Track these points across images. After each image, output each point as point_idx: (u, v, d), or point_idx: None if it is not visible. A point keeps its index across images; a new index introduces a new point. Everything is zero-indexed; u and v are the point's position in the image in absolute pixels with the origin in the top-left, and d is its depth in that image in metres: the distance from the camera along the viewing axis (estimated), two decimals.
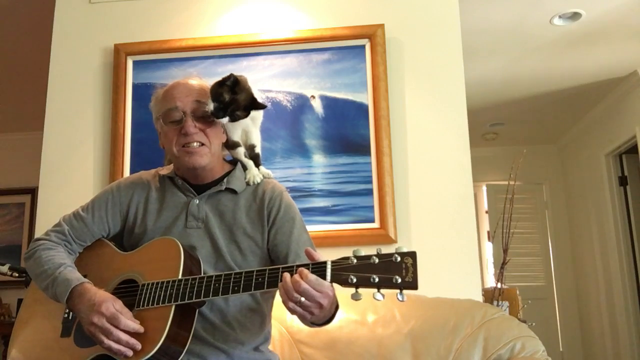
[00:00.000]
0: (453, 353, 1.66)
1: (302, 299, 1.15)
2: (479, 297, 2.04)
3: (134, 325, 1.26)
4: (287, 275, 1.17)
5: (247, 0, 2.38)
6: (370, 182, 2.14)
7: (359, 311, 1.79)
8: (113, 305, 1.27)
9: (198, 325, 1.35)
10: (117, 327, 1.24)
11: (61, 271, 1.36)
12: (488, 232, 5.83)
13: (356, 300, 1.13)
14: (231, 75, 1.46)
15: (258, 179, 1.53)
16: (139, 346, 1.25)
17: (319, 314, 1.20)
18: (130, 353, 1.24)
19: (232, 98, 1.44)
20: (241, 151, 1.58)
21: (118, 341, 1.24)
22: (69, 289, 1.32)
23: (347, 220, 2.13)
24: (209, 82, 1.53)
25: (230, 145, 1.57)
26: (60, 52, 2.42)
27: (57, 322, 1.41)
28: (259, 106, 1.49)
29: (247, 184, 1.53)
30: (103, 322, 1.24)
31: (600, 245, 4.96)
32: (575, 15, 3.21)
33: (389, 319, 1.76)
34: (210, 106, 1.44)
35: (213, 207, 1.48)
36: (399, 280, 1.10)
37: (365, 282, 1.13)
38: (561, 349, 5.53)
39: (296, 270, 1.19)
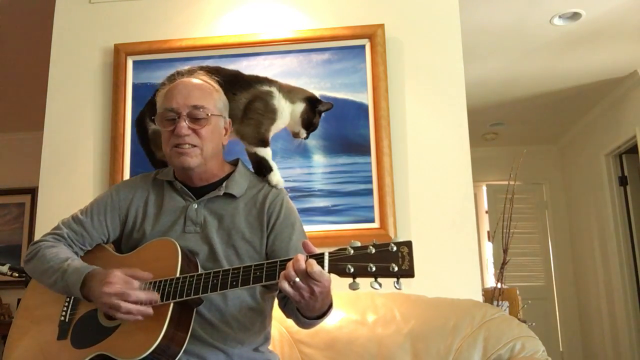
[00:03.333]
0: (453, 353, 1.66)
1: (297, 279, 1.16)
2: (479, 297, 2.04)
3: (146, 292, 1.28)
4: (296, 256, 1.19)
5: (247, 0, 2.38)
6: (370, 182, 2.14)
7: (359, 311, 1.79)
8: (123, 272, 1.29)
9: (196, 325, 1.36)
10: (132, 288, 1.26)
11: (69, 263, 1.37)
12: (488, 232, 5.83)
13: (354, 289, 1.15)
14: (330, 104, 1.93)
15: (282, 184, 1.59)
16: (158, 297, 1.27)
17: (308, 301, 1.20)
18: (150, 311, 1.26)
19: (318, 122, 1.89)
20: (269, 151, 1.65)
21: (137, 301, 1.25)
22: (82, 277, 1.33)
23: (347, 220, 2.13)
24: (213, 80, 1.54)
25: (264, 142, 1.68)
26: (60, 52, 2.42)
27: (54, 326, 1.41)
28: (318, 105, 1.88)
29: (272, 186, 1.56)
30: (117, 289, 1.26)
31: (600, 245, 4.97)
32: (575, 15, 3.21)
33: (389, 319, 1.76)
34: (303, 134, 1.87)
35: (211, 212, 1.48)
36: (396, 269, 1.12)
37: (362, 272, 1.14)
38: (561, 349, 5.53)
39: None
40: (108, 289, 1.26)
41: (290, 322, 1.47)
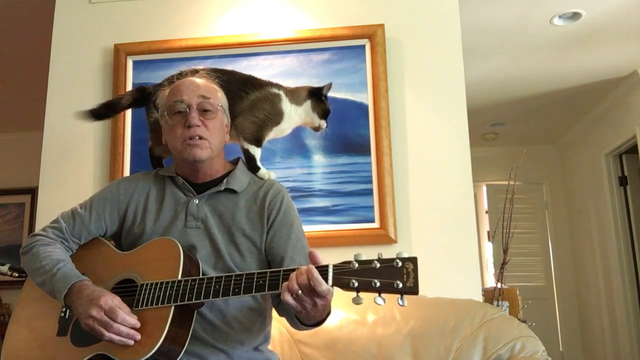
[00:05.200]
0: (453, 353, 1.66)
1: (300, 291, 1.15)
2: (479, 297, 2.04)
3: (131, 320, 1.27)
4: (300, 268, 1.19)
5: (247, 0, 2.38)
6: (370, 182, 2.14)
7: (359, 311, 1.79)
8: (112, 299, 1.28)
9: (197, 326, 1.36)
10: (114, 320, 1.25)
11: (60, 268, 1.36)
12: (488, 232, 5.83)
13: (357, 304, 1.14)
14: (325, 87, 1.95)
15: (273, 175, 1.68)
16: (138, 336, 1.26)
17: (310, 312, 1.20)
18: (131, 342, 1.26)
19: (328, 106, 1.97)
20: (259, 152, 1.76)
21: (119, 333, 1.25)
22: (68, 285, 1.33)
23: (347, 220, 2.13)
24: (215, 82, 1.60)
25: (258, 142, 1.77)
26: (60, 52, 2.42)
27: (53, 321, 1.41)
28: (321, 92, 1.96)
29: (261, 178, 1.61)
30: (102, 315, 1.25)
31: (600, 245, 4.96)
32: (575, 15, 3.21)
33: (389, 319, 1.76)
34: (324, 124, 1.94)
35: (212, 208, 1.48)
36: (400, 286, 1.11)
37: (366, 287, 1.13)
38: (561, 349, 5.53)
39: None
40: (95, 313, 1.26)
41: None
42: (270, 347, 1.55)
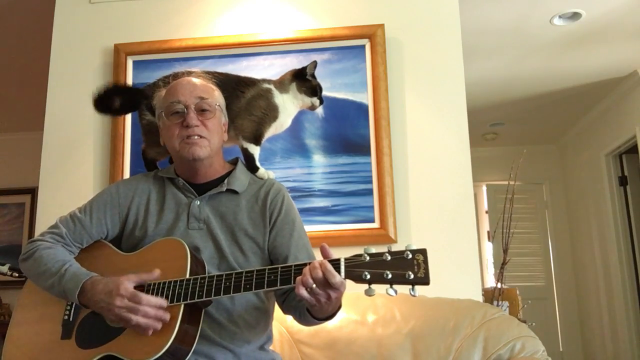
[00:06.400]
0: (453, 353, 1.66)
1: (314, 285, 1.17)
2: (479, 297, 2.04)
3: (156, 300, 1.27)
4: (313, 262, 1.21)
5: (247, 0, 2.38)
6: (370, 182, 2.14)
7: (359, 311, 1.79)
8: (130, 284, 1.29)
9: (205, 325, 1.35)
10: (139, 304, 1.25)
11: (67, 268, 1.35)
12: (488, 232, 5.83)
13: (370, 295, 1.17)
14: (308, 66, 1.91)
15: (272, 174, 1.69)
16: (167, 316, 1.26)
17: (323, 305, 1.22)
18: (159, 326, 1.25)
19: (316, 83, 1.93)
20: (258, 151, 1.77)
21: (146, 315, 1.25)
22: (80, 284, 1.32)
23: (347, 220, 2.13)
24: (212, 82, 1.61)
25: (257, 140, 1.77)
26: (60, 52, 2.42)
27: (56, 325, 1.39)
28: (305, 72, 1.96)
29: (260, 178, 1.61)
30: (126, 302, 1.25)
31: (600, 245, 4.97)
32: (575, 15, 3.21)
33: (389, 319, 1.76)
34: (316, 102, 1.94)
35: (214, 209, 1.48)
36: (412, 276, 1.15)
37: (378, 278, 1.16)
38: (561, 349, 5.53)
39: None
40: (119, 302, 1.26)
41: (290, 322, 1.48)
42: (271, 347, 1.55)
